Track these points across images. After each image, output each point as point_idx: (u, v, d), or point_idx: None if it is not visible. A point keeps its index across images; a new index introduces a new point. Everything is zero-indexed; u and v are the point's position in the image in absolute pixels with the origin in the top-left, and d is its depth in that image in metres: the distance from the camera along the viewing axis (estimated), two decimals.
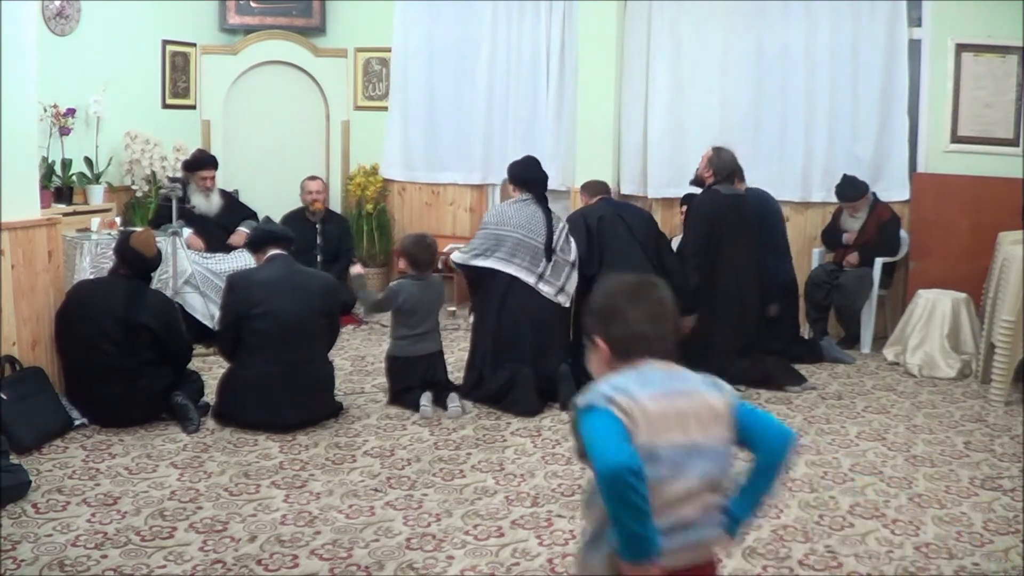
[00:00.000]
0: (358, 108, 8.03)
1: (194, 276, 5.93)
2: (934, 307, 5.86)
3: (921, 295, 5.98)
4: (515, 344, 4.93)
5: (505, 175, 5.48)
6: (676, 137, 7.01)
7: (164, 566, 3.13)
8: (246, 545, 3.30)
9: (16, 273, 4.42)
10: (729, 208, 5.52)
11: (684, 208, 6.14)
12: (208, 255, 6.27)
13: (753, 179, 6.09)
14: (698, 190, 5.75)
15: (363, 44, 7.95)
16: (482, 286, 5.09)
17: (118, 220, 6.08)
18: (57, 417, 4.36)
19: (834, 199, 6.45)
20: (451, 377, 5.16)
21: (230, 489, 3.80)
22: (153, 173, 6.71)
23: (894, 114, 6.52)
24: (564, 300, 5.04)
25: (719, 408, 1.87)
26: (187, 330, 4.98)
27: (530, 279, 4.95)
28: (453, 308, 7.06)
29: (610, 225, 5.25)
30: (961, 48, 6.32)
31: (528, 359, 4.93)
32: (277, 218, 6.80)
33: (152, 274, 4.85)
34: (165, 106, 7.32)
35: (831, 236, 6.53)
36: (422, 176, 7.90)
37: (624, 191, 7.16)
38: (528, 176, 5.17)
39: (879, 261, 6.28)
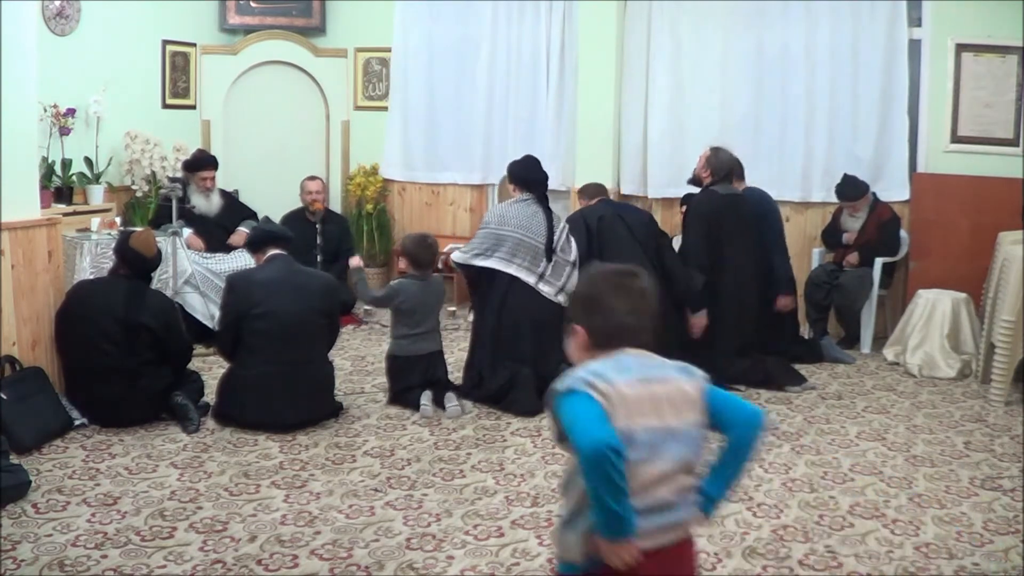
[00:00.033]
0: (358, 108, 8.03)
1: (194, 276, 5.93)
2: (934, 307, 5.86)
3: (921, 295, 5.98)
4: (515, 344, 4.94)
5: (505, 175, 5.47)
6: (676, 137, 7.01)
7: (164, 566, 3.13)
8: (246, 545, 3.30)
9: (16, 273, 4.42)
10: (727, 208, 5.52)
11: (684, 208, 6.14)
12: (208, 255, 6.27)
13: (753, 179, 6.09)
14: (696, 190, 5.76)
15: (363, 44, 7.95)
16: (482, 286, 5.09)
17: (118, 220, 6.08)
18: (57, 417, 4.36)
19: (834, 199, 6.45)
20: (451, 377, 5.16)
21: (230, 489, 3.80)
22: (153, 173, 6.71)
23: (894, 114, 6.52)
24: (564, 300, 5.03)
25: (691, 393, 1.94)
26: (187, 330, 4.97)
27: (530, 279, 4.95)
28: (453, 308, 7.06)
29: (610, 225, 5.26)
30: (961, 48, 6.32)
31: (528, 359, 4.93)
32: (277, 218, 6.80)
33: (152, 274, 4.85)
34: (165, 106, 7.32)
35: (831, 236, 6.53)
36: (422, 176, 7.90)
37: (624, 191, 7.16)
38: (528, 176, 5.17)
39: (879, 261, 6.28)
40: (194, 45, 7.53)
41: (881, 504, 3.76)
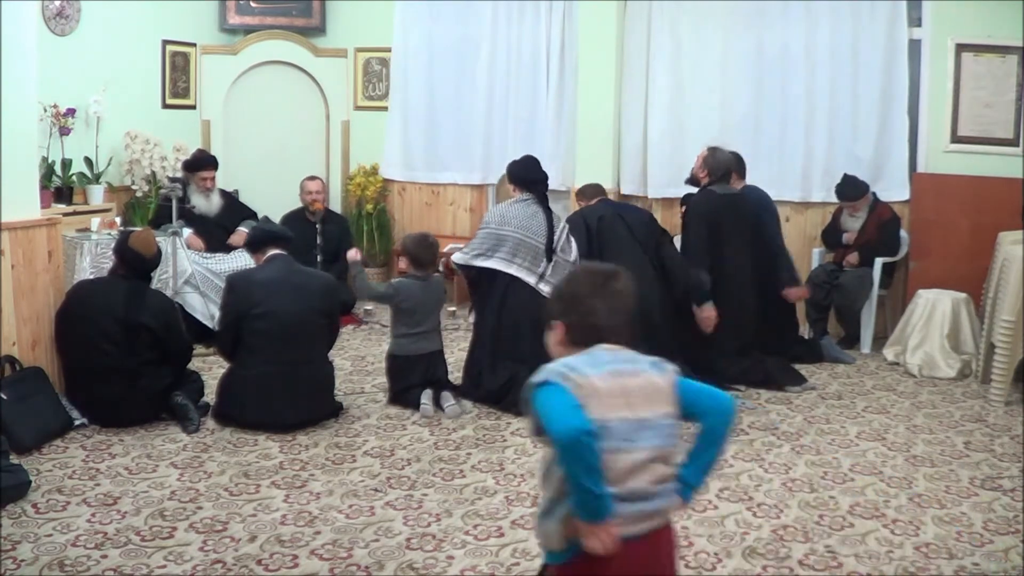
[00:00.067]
0: (358, 108, 8.03)
1: (194, 276, 5.93)
2: (934, 307, 5.86)
3: (921, 295, 5.98)
4: (515, 344, 4.93)
5: (504, 175, 5.47)
6: (676, 137, 7.01)
7: (164, 566, 3.13)
8: (246, 545, 3.31)
9: (16, 273, 4.42)
10: (726, 208, 5.52)
11: (684, 208, 6.14)
12: (208, 255, 6.27)
13: (753, 179, 6.10)
14: (694, 189, 5.76)
15: (363, 44, 7.95)
16: (482, 286, 5.09)
17: (118, 220, 6.08)
18: (57, 417, 4.36)
19: (834, 199, 6.45)
20: (451, 377, 5.16)
21: (230, 489, 3.80)
22: (153, 173, 6.71)
23: (894, 114, 6.52)
24: None
25: (663, 385, 2.02)
26: (187, 330, 4.97)
27: (531, 279, 4.95)
28: (453, 308, 7.06)
29: (610, 225, 5.26)
30: (961, 48, 6.32)
31: (528, 359, 4.90)
32: (277, 218, 6.81)
33: (152, 274, 4.85)
34: (165, 106, 7.32)
35: (831, 236, 6.53)
36: (422, 176, 7.90)
37: (624, 191, 7.16)
38: (528, 176, 5.16)
39: (879, 261, 6.28)
40: (194, 45, 7.53)
41: (881, 504, 3.76)
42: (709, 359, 5.29)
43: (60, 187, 6.20)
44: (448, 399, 4.84)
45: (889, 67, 6.49)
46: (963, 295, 5.90)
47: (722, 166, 5.59)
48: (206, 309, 5.86)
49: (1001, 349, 5.05)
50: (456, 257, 5.18)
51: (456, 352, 5.84)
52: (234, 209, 6.79)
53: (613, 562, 1.92)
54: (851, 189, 6.30)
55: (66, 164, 6.26)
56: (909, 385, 5.54)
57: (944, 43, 6.35)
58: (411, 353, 4.92)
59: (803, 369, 5.62)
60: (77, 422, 4.44)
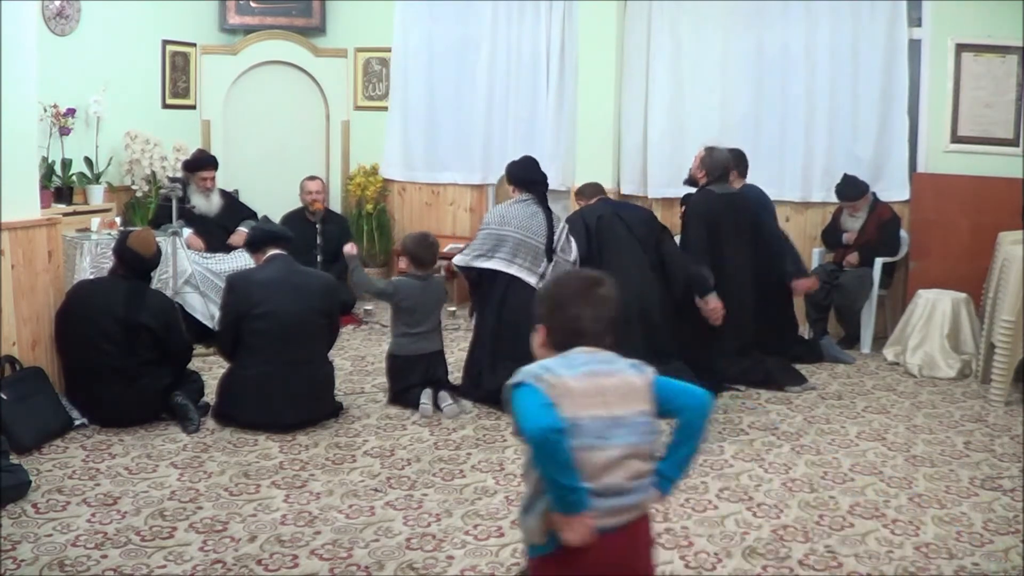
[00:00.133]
0: (358, 108, 8.03)
1: (194, 276, 5.93)
2: (934, 307, 5.86)
3: (921, 295, 5.98)
4: (515, 344, 4.92)
5: (503, 176, 5.47)
6: (676, 137, 7.01)
7: (164, 566, 3.13)
8: (246, 545, 3.31)
9: (16, 273, 4.42)
10: (725, 208, 5.52)
11: (683, 208, 6.13)
12: (208, 255, 6.27)
13: (753, 179, 6.09)
14: (692, 189, 5.76)
15: (363, 44, 7.96)
16: (482, 287, 5.09)
17: (118, 220, 6.08)
18: (57, 417, 4.36)
19: (834, 199, 6.45)
20: (451, 377, 5.16)
21: (230, 489, 3.80)
22: (153, 173, 6.72)
23: (894, 114, 6.53)
24: None
25: (638, 384, 2.08)
26: (187, 330, 4.98)
27: (531, 279, 4.95)
28: (453, 308, 7.07)
29: (609, 225, 5.25)
30: (961, 48, 6.32)
31: (528, 359, 4.90)
32: (277, 218, 6.81)
33: (152, 274, 4.85)
34: (165, 106, 7.32)
35: (831, 236, 6.53)
36: (422, 176, 7.90)
37: (624, 191, 7.16)
38: (528, 176, 5.16)
39: (879, 261, 6.28)
40: (194, 45, 7.53)
41: (881, 504, 3.76)
42: (709, 359, 5.29)
43: (60, 187, 6.20)
44: (446, 399, 4.84)
45: (889, 67, 6.49)
46: (963, 295, 5.90)
47: (719, 166, 5.59)
48: (206, 309, 5.86)
49: (1001, 349, 5.05)
50: (457, 259, 5.17)
51: (456, 352, 5.83)
52: (234, 209, 6.79)
53: (590, 553, 2.01)
54: (851, 189, 6.30)
55: (66, 164, 6.26)
56: (909, 385, 5.54)
57: (944, 43, 6.36)
58: (411, 353, 4.92)
59: (803, 369, 5.62)
60: (77, 422, 4.45)
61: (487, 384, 4.94)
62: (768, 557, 3.28)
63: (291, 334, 4.52)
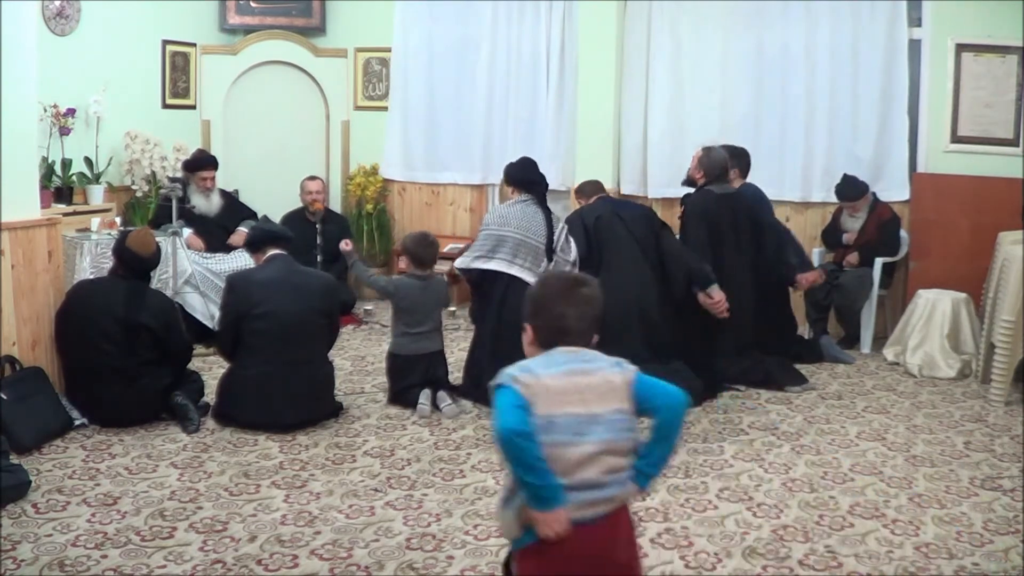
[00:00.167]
0: (358, 108, 8.03)
1: (194, 276, 5.94)
2: (934, 307, 5.86)
3: (921, 295, 5.98)
4: (515, 344, 4.90)
5: (504, 177, 5.47)
6: (676, 137, 7.01)
7: (164, 566, 3.13)
8: (246, 545, 3.31)
9: (16, 273, 4.42)
10: (724, 207, 5.52)
11: (682, 209, 6.13)
12: (208, 255, 6.27)
13: (753, 179, 6.09)
14: (690, 190, 5.75)
15: (363, 44, 7.95)
16: (483, 287, 5.08)
17: (118, 220, 6.08)
18: (57, 417, 4.36)
19: (834, 199, 6.45)
20: (451, 377, 5.15)
21: (230, 489, 3.80)
22: (153, 173, 6.72)
23: (894, 114, 6.53)
24: None
25: (617, 382, 2.14)
26: (187, 330, 4.97)
27: (532, 280, 4.95)
28: (453, 308, 7.06)
29: (608, 225, 5.25)
30: (961, 48, 6.32)
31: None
32: (277, 218, 6.81)
33: (152, 273, 4.86)
34: (165, 106, 7.32)
35: (831, 236, 6.53)
36: (422, 176, 7.90)
37: (624, 191, 7.16)
38: (527, 177, 5.17)
39: (879, 261, 6.28)
40: (194, 45, 7.53)
41: (881, 504, 3.76)
42: (709, 359, 5.29)
43: (60, 187, 6.20)
44: (445, 399, 4.84)
45: (889, 67, 6.49)
46: (963, 295, 5.90)
47: (717, 166, 5.59)
48: (206, 309, 5.86)
49: (1001, 349, 5.05)
50: (458, 262, 5.18)
51: (456, 352, 5.83)
52: (234, 209, 6.79)
53: (569, 544, 2.08)
54: (850, 189, 6.30)
55: (66, 164, 6.26)
56: (909, 385, 5.54)
57: (944, 43, 6.36)
58: (411, 353, 4.92)
59: (803, 369, 5.61)
60: (77, 422, 4.45)
61: (487, 384, 4.93)
62: (768, 557, 3.28)
63: (291, 334, 4.52)
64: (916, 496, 3.84)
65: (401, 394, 4.91)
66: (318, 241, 7.05)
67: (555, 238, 5.04)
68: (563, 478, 2.06)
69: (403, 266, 5.44)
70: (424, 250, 5.00)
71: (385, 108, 7.90)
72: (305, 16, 7.91)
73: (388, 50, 7.83)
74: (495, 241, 4.99)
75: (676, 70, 7.01)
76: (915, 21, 6.51)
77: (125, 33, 6.86)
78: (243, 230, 6.34)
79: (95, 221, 5.80)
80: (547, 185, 5.29)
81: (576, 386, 2.11)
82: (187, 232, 6.19)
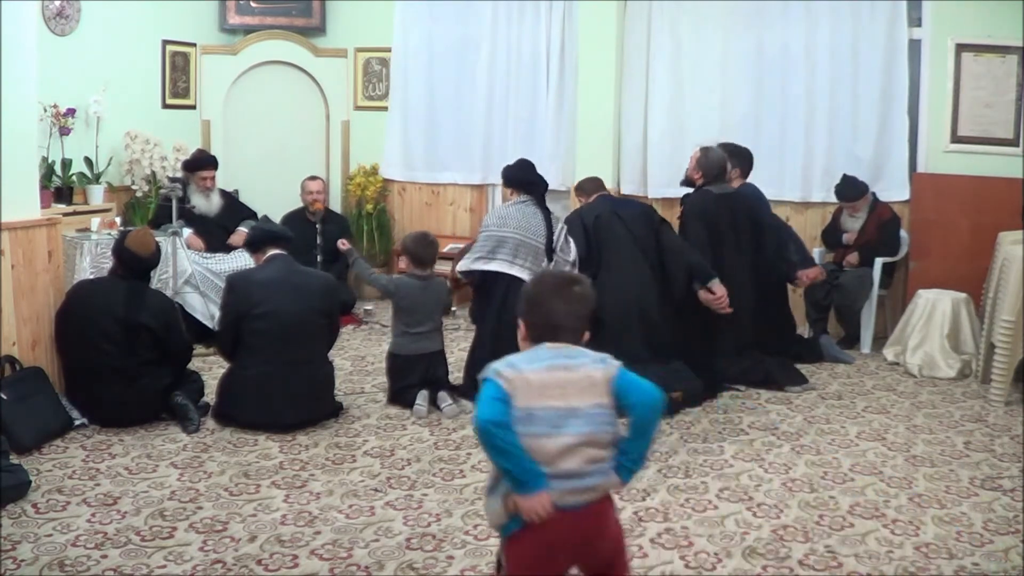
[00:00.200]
0: (358, 108, 8.03)
1: (194, 276, 5.93)
2: (934, 307, 5.86)
3: (921, 295, 5.98)
4: (515, 344, 4.90)
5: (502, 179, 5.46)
6: (676, 137, 7.01)
7: (164, 566, 3.13)
8: (246, 545, 3.31)
9: (16, 273, 4.42)
10: (722, 208, 5.52)
11: (681, 209, 6.12)
12: (208, 255, 6.27)
13: (753, 179, 6.09)
14: (689, 190, 5.75)
15: (363, 44, 7.95)
16: (485, 288, 5.08)
17: (118, 220, 6.09)
18: (57, 417, 4.36)
19: (834, 199, 6.45)
20: (452, 377, 5.15)
21: (230, 489, 3.80)
22: (153, 173, 6.72)
23: (894, 114, 6.52)
24: None
25: (598, 378, 2.23)
26: (187, 330, 4.97)
27: None
28: (453, 308, 7.06)
29: (607, 224, 5.24)
30: (961, 48, 6.32)
31: None
32: (277, 218, 6.81)
33: (151, 273, 4.86)
34: (165, 106, 7.32)
35: (831, 236, 6.53)
36: (422, 176, 7.91)
37: (624, 191, 7.16)
38: (525, 177, 5.18)
39: (879, 261, 6.28)
40: (194, 45, 7.53)
41: (881, 504, 3.76)
42: (708, 359, 5.29)
43: (60, 187, 6.20)
44: (445, 399, 4.84)
45: (889, 67, 6.49)
46: (963, 295, 5.90)
47: (716, 166, 5.60)
48: (206, 309, 5.86)
49: (1001, 349, 5.05)
50: (459, 265, 5.18)
51: (456, 352, 5.84)
52: (234, 209, 6.79)
53: (555, 528, 2.18)
54: (850, 189, 6.30)
55: (66, 164, 6.26)
56: (909, 385, 5.54)
57: (944, 43, 6.36)
58: (411, 353, 4.92)
59: (803, 369, 5.61)
60: (77, 422, 4.44)
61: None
62: (768, 557, 3.28)
63: (291, 334, 4.52)
64: (916, 496, 3.84)
65: (400, 394, 4.91)
66: (318, 241, 7.05)
67: (555, 238, 5.04)
68: (545, 467, 2.16)
69: (403, 266, 5.44)
70: (424, 250, 4.99)
71: (385, 108, 7.91)
72: (305, 16, 7.91)
73: (388, 50, 7.83)
74: (495, 242, 4.99)
75: (676, 70, 7.01)
76: (915, 21, 6.51)
77: (125, 33, 6.86)
78: (243, 230, 6.34)
79: (95, 221, 5.80)
80: (546, 185, 5.29)
81: (557, 381, 2.20)
82: (187, 232, 6.19)
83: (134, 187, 6.76)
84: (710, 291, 5.11)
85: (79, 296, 4.62)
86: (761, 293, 5.65)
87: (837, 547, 3.36)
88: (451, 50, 7.68)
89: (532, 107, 7.45)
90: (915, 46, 6.50)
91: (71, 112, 6.24)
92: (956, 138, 6.40)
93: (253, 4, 7.79)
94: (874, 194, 6.39)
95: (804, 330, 6.38)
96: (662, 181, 7.04)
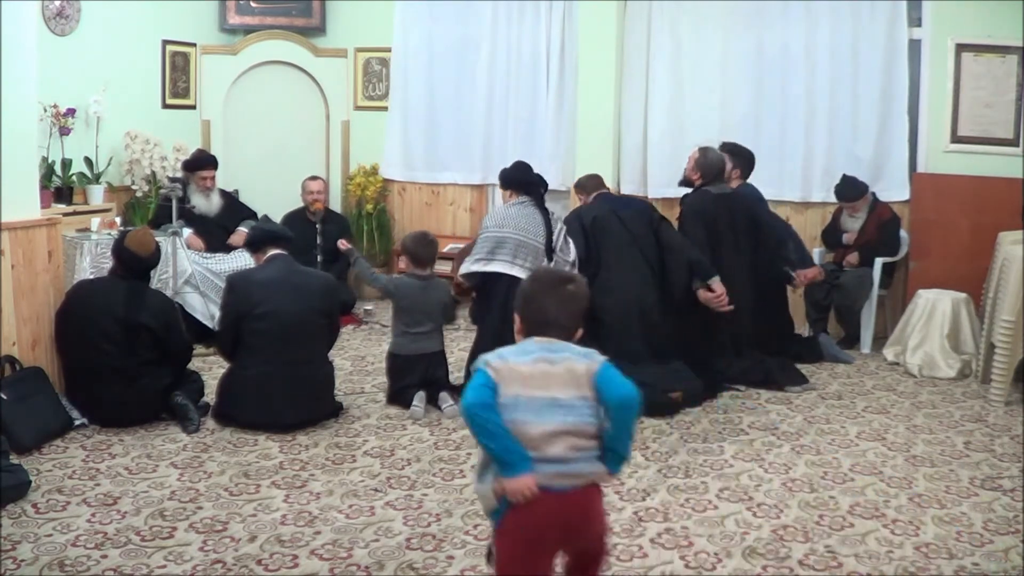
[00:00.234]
0: (358, 108, 8.03)
1: (194, 276, 5.93)
2: (934, 307, 5.86)
3: (921, 295, 5.98)
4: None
5: (498, 182, 5.46)
6: (676, 137, 7.00)
7: (164, 566, 3.13)
8: (246, 545, 3.31)
9: (16, 273, 4.42)
10: (721, 208, 5.52)
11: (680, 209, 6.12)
12: (208, 255, 6.27)
13: (753, 179, 6.09)
14: (687, 190, 5.75)
15: (363, 44, 7.95)
16: (485, 288, 5.08)
17: (118, 220, 6.08)
18: (57, 417, 4.36)
19: (834, 199, 6.45)
20: (452, 377, 5.15)
21: (230, 489, 3.80)
22: (153, 173, 6.72)
23: (894, 114, 6.52)
24: None
25: (580, 372, 2.33)
26: (187, 330, 4.97)
27: None
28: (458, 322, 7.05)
29: (606, 225, 5.24)
30: (961, 48, 6.32)
31: None
32: (277, 218, 6.81)
33: (151, 273, 4.85)
34: (165, 106, 7.32)
35: (831, 236, 6.53)
36: (422, 176, 7.91)
37: (624, 191, 7.16)
38: (523, 178, 5.18)
39: (879, 261, 6.28)
40: (194, 45, 7.53)
41: (881, 504, 3.76)
42: (708, 359, 5.29)
43: (60, 187, 6.20)
44: (446, 399, 4.83)
45: (889, 67, 6.49)
46: (963, 295, 5.90)
47: (714, 166, 5.60)
48: (206, 309, 5.86)
49: (1001, 349, 5.05)
50: (461, 269, 5.18)
51: (456, 352, 5.84)
52: (234, 209, 6.79)
53: (541, 510, 2.29)
54: (849, 190, 6.30)
55: (66, 164, 6.26)
56: (909, 385, 5.54)
57: (944, 43, 6.36)
58: (411, 353, 4.91)
59: (803, 369, 5.61)
60: (77, 422, 4.44)
61: None
62: (768, 557, 3.28)
63: (291, 334, 4.52)
64: (916, 496, 3.84)
65: (399, 394, 4.91)
66: (318, 241, 7.05)
67: (554, 238, 5.04)
68: (531, 452, 2.29)
69: (403, 266, 5.44)
70: (423, 249, 4.99)
71: (385, 108, 7.91)
72: (305, 16, 7.91)
73: (388, 50, 7.83)
74: (494, 243, 4.99)
75: (676, 70, 7.01)
76: (915, 21, 6.51)
77: (125, 33, 6.86)
78: (243, 230, 6.34)
79: (95, 221, 5.80)
80: (546, 185, 5.29)
81: (543, 373, 2.32)
82: (187, 232, 6.19)
83: (134, 187, 6.76)
84: (710, 289, 5.11)
85: (79, 296, 4.62)
86: (760, 293, 5.66)
87: (837, 547, 3.36)
88: (451, 50, 7.68)
89: (532, 107, 7.45)
90: (915, 46, 6.50)
91: (71, 112, 6.24)
92: (956, 138, 6.40)
93: (253, 4, 7.80)
94: (874, 194, 6.39)
95: (804, 330, 6.38)
96: (662, 181, 7.03)
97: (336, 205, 7.85)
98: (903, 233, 6.45)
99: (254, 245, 4.85)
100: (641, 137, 7.15)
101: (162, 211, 6.23)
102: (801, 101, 6.72)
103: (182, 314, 5.25)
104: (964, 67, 6.33)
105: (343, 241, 5.48)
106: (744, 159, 6.01)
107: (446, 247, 7.21)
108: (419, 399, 4.80)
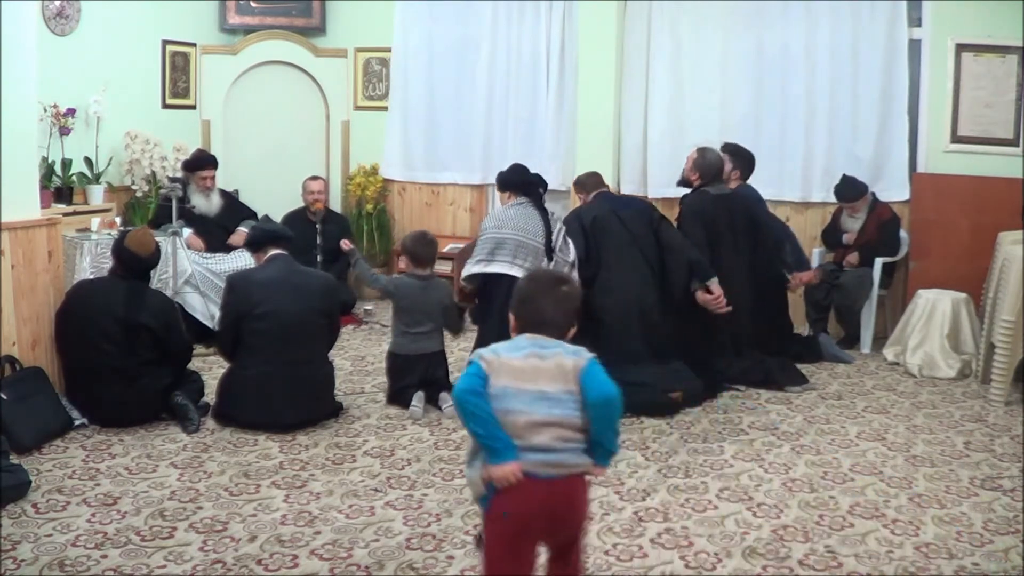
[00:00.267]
0: (358, 108, 8.03)
1: (194, 276, 5.93)
2: (934, 307, 5.86)
3: (921, 295, 5.98)
4: None
5: (496, 184, 5.46)
6: (676, 137, 7.00)
7: (164, 566, 3.13)
8: (246, 545, 3.31)
9: (16, 273, 4.42)
10: (720, 208, 5.52)
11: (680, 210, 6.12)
12: (208, 255, 6.27)
13: (753, 179, 6.09)
14: (686, 191, 5.75)
15: (363, 44, 7.95)
16: (486, 289, 5.07)
17: (118, 220, 6.08)
18: (57, 417, 4.36)
19: (834, 199, 6.45)
20: (452, 378, 5.15)
21: (230, 489, 3.80)
22: (153, 173, 6.72)
23: (894, 114, 6.52)
24: None
25: (568, 367, 2.41)
26: (187, 330, 4.97)
27: None
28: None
29: (605, 224, 5.23)
30: (961, 48, 6.32)
31: None
32: (277, 218, 6.81)
33: (151, 273, 4.85)
34: (165, 106, 7.32)
35: (831, 236, 6.53)
36: (422, 176, 7.91)
37: (624, 191, 7.16)
38: (521, 179, 5.19)
39: (879, 261, 6.28)
40: (194, 45, 7.53)
41: (881, 504, 3.76)
42: (708, 359, 5.29)
43: (60, 187, 6.20)
44: (446, 400, 4.83)
45: (889, 67, 6.49)
46: (963, 295, 5.90)
47: (713, 167, 5.59)
48: (206, 309, 5.86)
49: (1001, 349, 5.05)
50: (463, 272, 5.17)
51: (456, 352, 5.84)
52: (234, 209, 6.79)
53: (522, 494, 2.37)
54: (849, 190, 6.30)
55: (66, 164, 6.26)
56: (909, 385, 5.54)
57: (944, 43, 6.35)
58: (411, 352, 4.91)
59: (803, 369, 5.61)
60: (77, 422, 4.44)
61: None
62: (768, 557, 3.28)
63: (291, 334, 4.52)
64: (916, 496, 3.84)
65: (399, 394, 4.91)
66: (318, 241, 7.05)
67: (554, 238, 5.04)
68: (517, 441, 2.38)
69: (403, 266, 5.44)
70: (423, 248, 4.99)
71: (385, 108, 7.91)
72: (305, 16, 7.91)
73: (388, 50, 7.83)
74: (494, 244, 4.99)
75: (676, 70, 7.01)
76: (915, 21, 6.51)
77: (125, 33, 6.86)
78: (243, 230, 6.34)
79: (95, 221, 5.80)
80: (545, 186, 5.29)
81: (533, 367, 2.41)
82: (187, 232, 6.18)
83: (134, 187, 6.76)
84: (708, 291, 5.11)
85: (79, 296, 4.62)
86: (759, 293, 5.66)
87: (837, 547, 3.36)
88: (451, 50, 7.68)
89: (532, 107, 7.45)
90: (915, 46, 6.50)
91: (71, 112, 6.24)
92: (956, 138, 6.40)
93: (253, 4, 7.80)
94: (874, 194, 6.39)
95: (804, 330, 6.38)
96: (662, 181, 7.03)
97: (336, 205, 7.85)
98: (903, 233, 6.45)
99: (254, 245, 4.85)
100: (641, 137, 7.15)
101: (162, 211, 6.23)
102: (801, 101, 6.72)
103: (182, 314, 5.25)
104: (964, 67, 6.33)
105: (346, 241, 5.49)
106: (744, 160, 6.01)
107: (446, 247, 7.21)
108: (418, 399, 4.80)
